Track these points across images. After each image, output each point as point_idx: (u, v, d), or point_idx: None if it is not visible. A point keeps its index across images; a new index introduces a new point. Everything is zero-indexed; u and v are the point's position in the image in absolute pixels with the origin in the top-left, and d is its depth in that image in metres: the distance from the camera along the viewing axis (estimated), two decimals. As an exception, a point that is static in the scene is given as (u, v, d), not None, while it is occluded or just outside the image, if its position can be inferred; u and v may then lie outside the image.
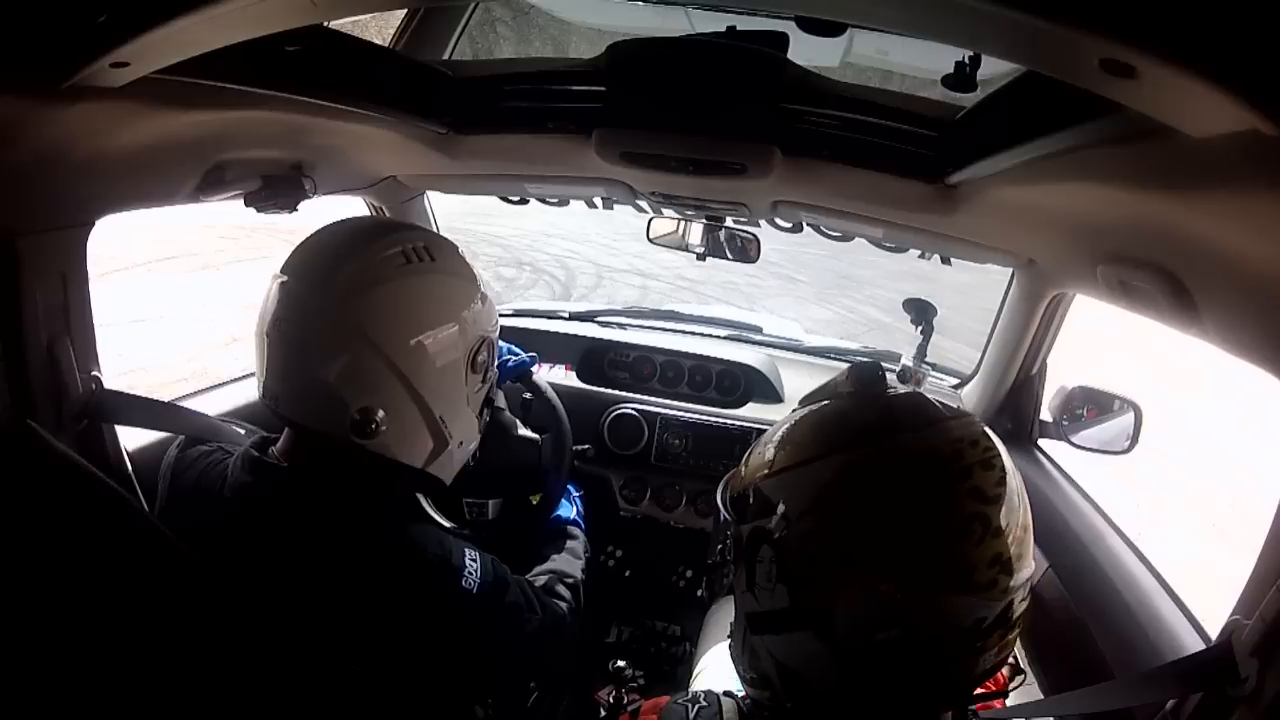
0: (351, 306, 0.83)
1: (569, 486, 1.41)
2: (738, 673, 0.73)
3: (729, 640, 0.74)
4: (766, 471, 0.65)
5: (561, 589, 1.10)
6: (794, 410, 0.72)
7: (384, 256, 0.86)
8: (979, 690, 0.66)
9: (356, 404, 0.84)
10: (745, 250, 1.62)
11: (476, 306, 0.93)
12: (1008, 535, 0.59)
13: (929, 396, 0.66)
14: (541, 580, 1.10)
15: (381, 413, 0.85)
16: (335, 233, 0.90)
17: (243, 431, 1.03)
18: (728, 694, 0.74)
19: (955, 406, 0.66)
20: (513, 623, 0.94)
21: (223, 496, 0.87)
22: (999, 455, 0.61)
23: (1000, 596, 0.58)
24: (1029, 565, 0.61)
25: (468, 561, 0.88)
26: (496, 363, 1.02)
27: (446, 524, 1.52)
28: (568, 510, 1.33)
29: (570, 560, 1.19)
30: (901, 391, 0.67)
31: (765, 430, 0.72)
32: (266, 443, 0.93)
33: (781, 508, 0.62)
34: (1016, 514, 0.60)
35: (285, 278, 0.85)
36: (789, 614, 0.62)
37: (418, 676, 0.84)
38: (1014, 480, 0.61)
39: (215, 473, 0.91)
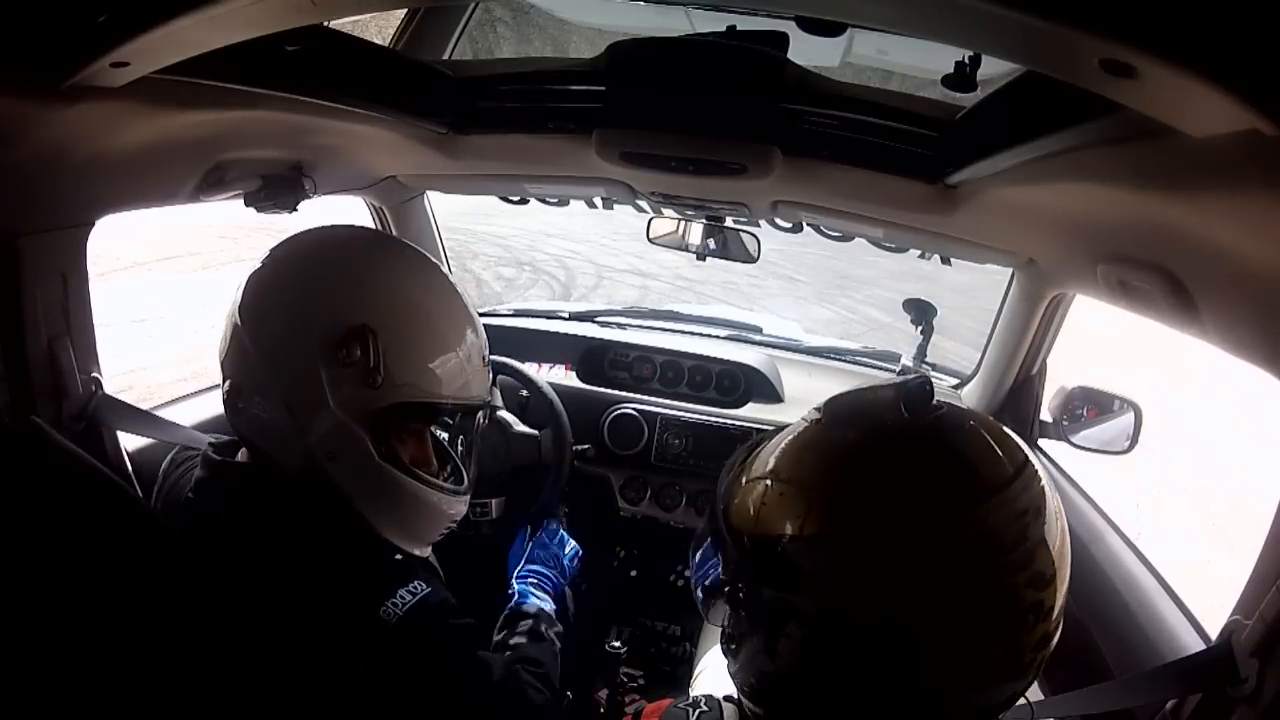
0: (242, 282, 0.85)
1: (554, 550, 1.28)
2: (736, 687, 0.69)
3: (722, 648, 0.67)
4: (795, 533, 0.55)
5: (529, 678, 0.95)
6: (823, 420, 0.61)
7: (297, 235, 0.88)
8: None
9: (229, 376, 0.83)
10: (745, 250, 1.62)
11: (360, 287, 0.82)
12: (1054, 613, 0.55)
13: (983, 433, 0.58)
14: (511, 668, 0.96)
15: (245, 391, 0.82)
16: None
17: None
18: (728, 698, 0.73)
19: (1013, 442, 0.58)
20: (451, 661, 0.84)
21: (186, 495, 0.88)
22: (1058, 516, 0.56)
23: (1035, 673, 0.56)
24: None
25: (399, 592, 0.79)
26: (419, 378, 0.83)
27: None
28: (527, 596, 1.16)
29: (533, 646, 1.04)
30: (951, 420, 0.58)
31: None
32: (237, 446, 0.91)
33: (817, 589, 0.53)
34: (1064, 586, 0.55)
35: None
36: (812, 685, 0.57)
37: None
38: (1066, 544, 0.56)
39: (189, 476, 0.92)
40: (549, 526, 1.33)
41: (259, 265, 0.87)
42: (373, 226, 1.64)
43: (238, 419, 0.86)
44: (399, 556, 0.88)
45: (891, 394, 0.58)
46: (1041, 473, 0.57)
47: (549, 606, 1.15)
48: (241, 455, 0.90)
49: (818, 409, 0.63)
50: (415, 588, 0.80)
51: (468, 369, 0.88)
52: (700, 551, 0.68)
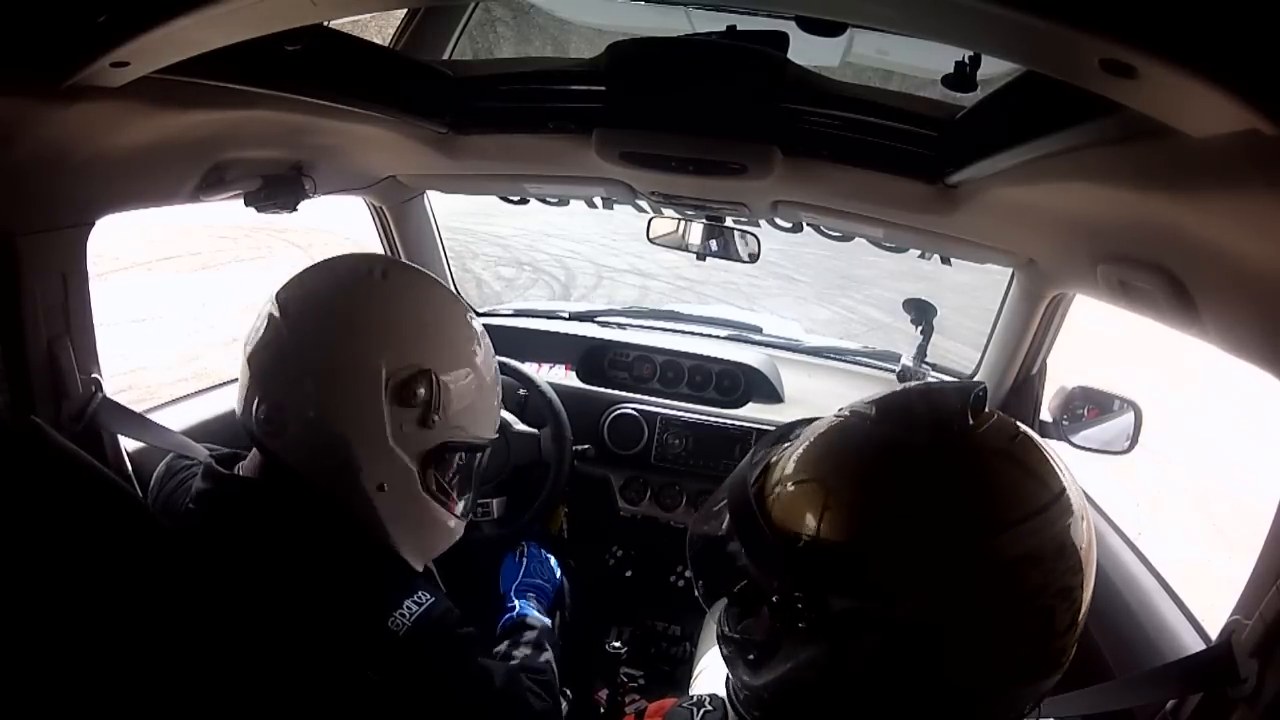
0: (286, 305, 0.84)
1: (537, 567, 1.31)
2: (733, 697, 0.68)
3: (725, 653, 0.65)
4: (875, 535, 0.54)
5: (533, 685, 0.97)
6: (878, 417, 0.59)
7: (343, 264, 0.89)
8: None
9: (267, 397, 0.83)
10: (745, 250, 1.62)
11: (422, 332, 0.86)
12: (1083, 609, 0.57)
13: (1035, 441, 0.59)
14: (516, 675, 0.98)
15: (288, 415, 0.82)
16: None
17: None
18: None
19: (1054, 457, 0.59)
20: (459, 671, 0.85)
21: (187, 505, 0.87)
22: (1085, 516, 0.57)
23: (1064, 666, 0.58)
24: None
25: (406, 603, 0.80)
26: (467, 422, 0.88)
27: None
28: (527, 610, 1.19)
29: (538, 656, 1.07)
30: (1005, 428, 0.59)
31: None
32: (236, 458, 0.92)
33: (902, 594, 0.53)
34: (1091, 581, 0.57)
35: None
36: (877, 695, 0.56)
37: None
38: (1094, 541, 0.58)
39: (188, 485, 0.91)
40: (532, 547, 1.37)
41: (308, 290, 0.86)
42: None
43: (272, 436, 0.84)
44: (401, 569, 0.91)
45: (955, 399, 0.58)
46: (1069, 478, 0.58)
47: (547, 622, 1.19)
48: (244, 468, 0.90)
49: (859, 407, 0.61)
50: (420, 598, 0.82)
51: (494, 409, 0.96)
52: (711, 548, 0.65)
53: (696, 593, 0.68)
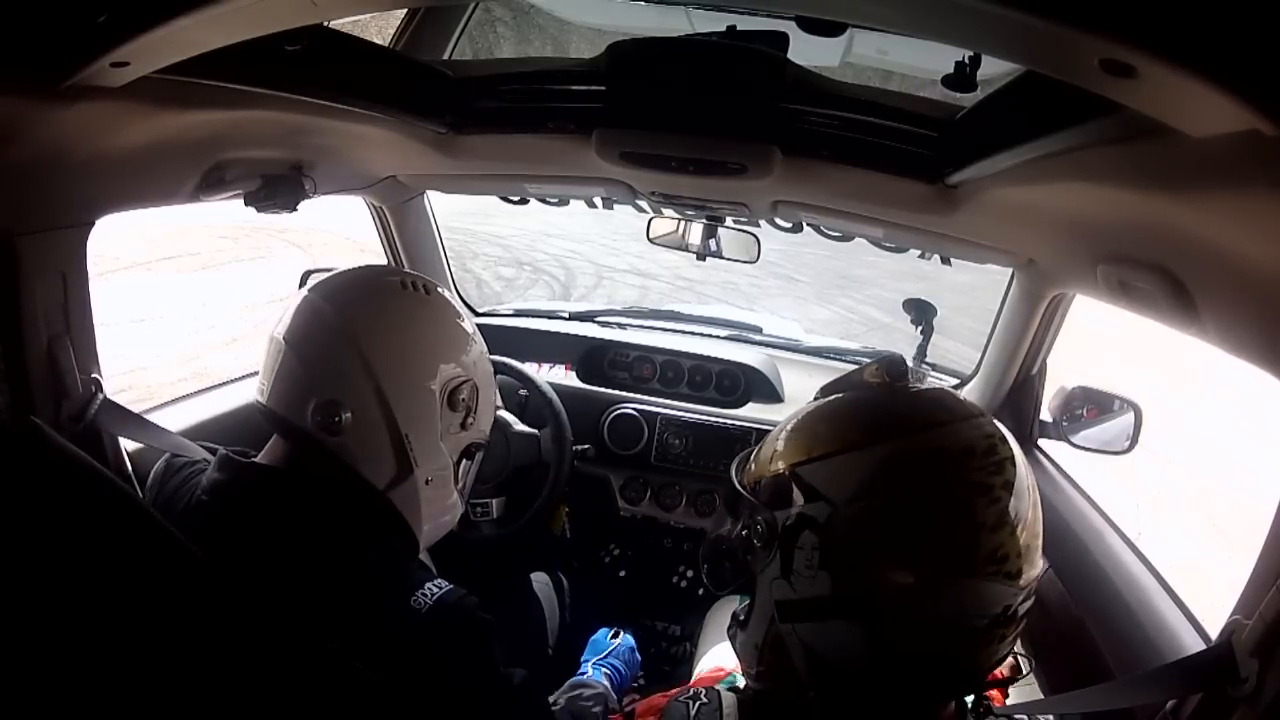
0: (347, 313, 0.89)
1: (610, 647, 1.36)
2: (744, 667, 0.73)
3: (731, 632, 0.74)
4: (805, 457, 0.65)
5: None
6: (817, 399, 0.72)
7: (388, 280, 0.95)
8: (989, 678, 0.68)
9: (323, 395, 0.86)
10: (745, 250, 1.62)
11: (462, 345, 0.96)
12: (1034, 527, 0.63)
13: (951, 391, 0.68)
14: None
15: (348, 414, 0.86)
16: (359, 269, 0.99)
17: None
18: (732, 688, 0.74)
19: (971, 403, 0.68)
20: (478, 652, 0.88)
21: (198, 498, 0.88)
22: (1019, 454, 0.65)
23: (1024, 586, 0.62)
24: (1041, 561, 0.64)
25: (428, 585, 0.85)
26: (485, 424, 1.00)
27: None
28: (599, 680, 1.27)
29: (588, 708, 1.14)
30: (921, 385, 0.69)
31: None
32: (245, 454, 0.92)
33: (827, 494, 0.62)
34: (1037, 510, 0.64)
35: (307, 294, 0.91)
36: (829, 601, 0.62)
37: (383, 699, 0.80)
38: (1031, 479, 0.65)
39: (195, 480, 0.92)
40: (627, 637, 1.40)
41: (365, 302, 0.92)
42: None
43: (329, 432, 0.87)
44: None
45: (872, 368, 0.70)
46: (1014, 444, 0.65)
47: (613, 697, 1.25)
48: (265, 457, 0.91)
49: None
50: (440, 583, 0.87)
51: (495, 408, 1.07)
52: (711, 540, 0.76)
53: (705, 580, 0.76)
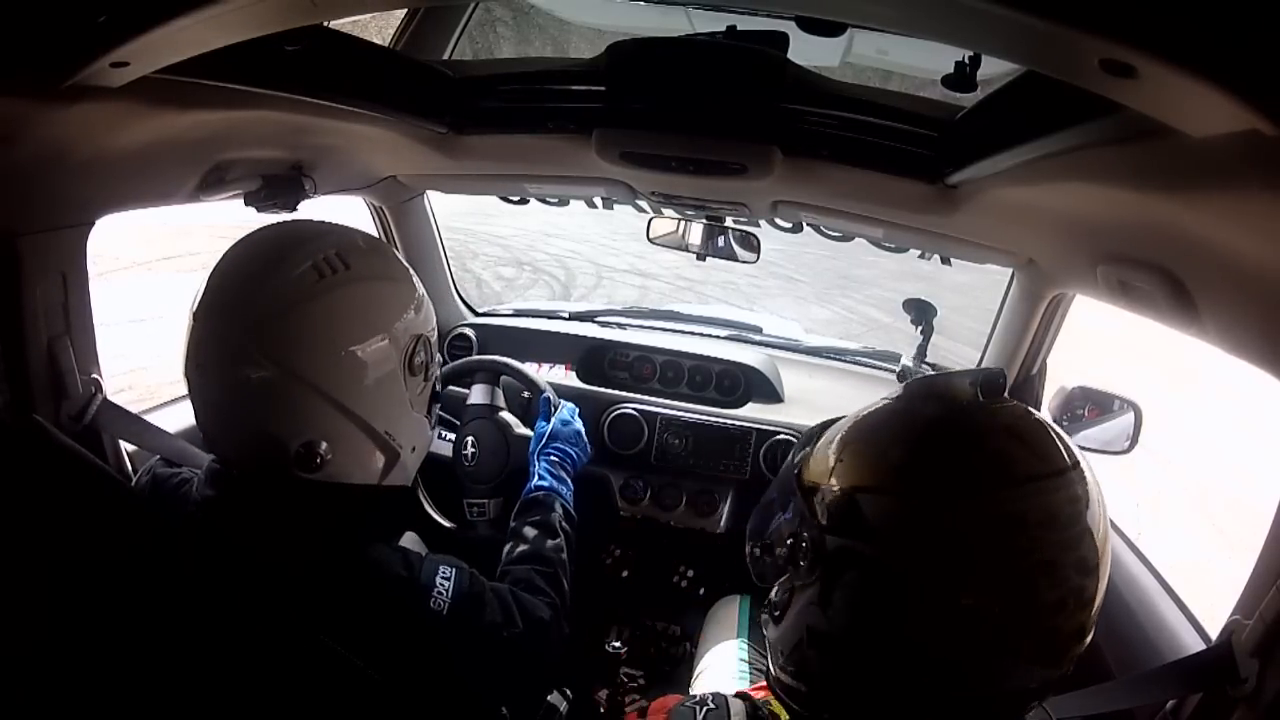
0: (269, 340, 0.77)
1: (561, 429, 1.30)
2: (771, 663, 0.70)
3: (763, 619, 0.70)
4: (869, 484, 0.59)
5: (541, 582, 1.02)
6: (901, 396, 0.65)
7: (294, 277, 0.78)
8: None
9: (296, 441, 0.80)
10: (745, 250, 1.62)
11: (405, 308, 0.86)
12: (1093, 605, 0.57)
13: (1048, 427, 0.61)
14: (521, 571, 1.03)
15: (325, 445, 0.81)
16: (240, 257, 0.82)
17: None
18: (739, 695, 0.74)
19: (1066, 444, 0.60)
20: (490, 642, 0.89)
21: (188, 511, 0.86)
22: (1103, 518, 0.58)
23: (1067, 666, 0.58)
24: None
25: (438, 580, 0.85)
26: (436, 356, 0.95)
27: (447, 523, 1.53)
28: (545, 478, 1.22)
29: (546, 541, 1.10)
30: (1017, 409, 0.62)
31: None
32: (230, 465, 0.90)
33: (883, 535, 0.57)
34: (1102, 578, 0.57)
35: (198, 319, 0.79)
36: (860, 646, 0.59)
37: (394, 700, 0.81)
38: (1110, 541, 0.59)
39: (184, 491, 0.90)
40: (564, 408, 1.37)
41: (288, 307, 0.78)
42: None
43: (310, 469, 0.81)
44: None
45: (967, 380, 0.63)
46: (1088, 470, 0.59)
47: (567, 490, 1.22)
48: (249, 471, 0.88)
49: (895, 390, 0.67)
50: (445, 572, 0.87)
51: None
52: (762, 516, 0.71)
53: (750, 567, 0.72)
